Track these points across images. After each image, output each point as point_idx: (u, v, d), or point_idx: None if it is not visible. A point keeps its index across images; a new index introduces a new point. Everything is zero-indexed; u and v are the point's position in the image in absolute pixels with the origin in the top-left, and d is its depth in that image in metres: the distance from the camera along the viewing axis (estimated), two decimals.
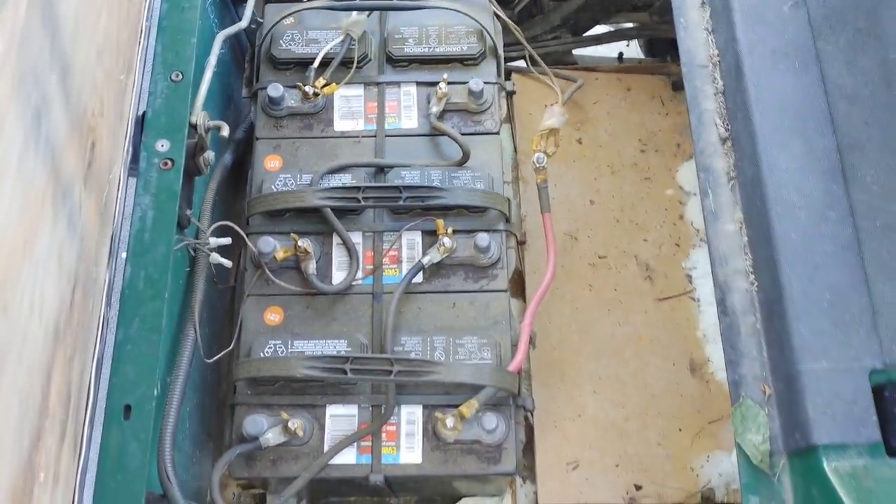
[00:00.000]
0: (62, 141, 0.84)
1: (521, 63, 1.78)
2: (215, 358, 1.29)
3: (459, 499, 1.50)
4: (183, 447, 1.26)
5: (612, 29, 1.87)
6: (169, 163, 1.21)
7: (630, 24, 1.87)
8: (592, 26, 1.84)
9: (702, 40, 1.26)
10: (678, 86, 1.85)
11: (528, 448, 1.54)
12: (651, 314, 1.64)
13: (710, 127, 1.20)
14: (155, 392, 1.08)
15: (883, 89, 1.14)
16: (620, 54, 1.94)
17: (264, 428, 1.24)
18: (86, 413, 1.00)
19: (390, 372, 1.22)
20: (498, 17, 1.56)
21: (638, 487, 1.51)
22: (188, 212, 1.32)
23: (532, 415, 1.37)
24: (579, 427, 1.55)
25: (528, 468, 1.55)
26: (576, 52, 1.91)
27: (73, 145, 0.88)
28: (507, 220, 1.40)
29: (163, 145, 1.22)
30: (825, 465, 0.95)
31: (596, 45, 1.87)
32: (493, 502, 1.51)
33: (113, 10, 1.02)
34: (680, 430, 1.55)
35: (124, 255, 1.15)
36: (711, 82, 1.23)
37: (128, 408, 1.07)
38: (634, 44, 2.11)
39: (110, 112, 1.03)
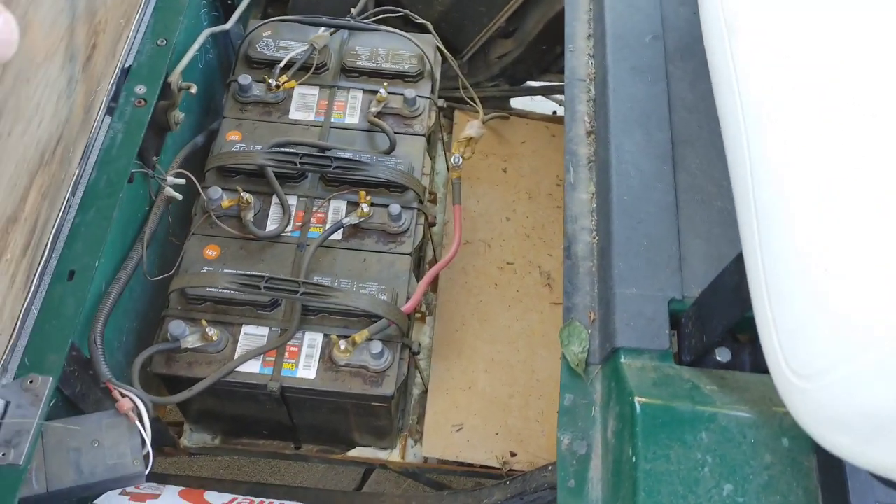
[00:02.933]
0: (80, 13, 1.10)
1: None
2: (157, 278, 1.53)
3: (355, 445, 1.70)
4: (117, 342, 1.48)
5: (544, 84, 2.19)
6: (143, 101, 1.50)
7: (558, 83, 2.19)
8: (527, 79, 2.16)
9: (584, 62, 1.57)
10: None
11: (420, 410, 1.74)
12: (545, 315, 1.87)
13: (580, 123, 1.49)
14: (97, 264, 1.31)
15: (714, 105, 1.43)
16: (554, 112, 2.26)
17: (185, 332, 1.46)
18: (39, 263, 1.23)
19: (297, 291, 1.46)
20: (439, 49, 1.88)
21: (513, 454, 1.70)
22: (154, 157, 1.59)
23: (417, 357, 1.58)
24: (468, 397, 1.75)
25: (418, 431, 1.74)
26: (514, 102, 2.23)
27: (83, 27, 1.14)
28: (421, 202, 1.66)
29: (140, 89, 1.50)
30: (621, 360, 1.18)
31: (528, 95, 2.19)
32: (385, 454, 1.71)
33: None
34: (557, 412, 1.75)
35: (93, 161, 1.40)
36: (586, 92, 1.53)
37: (72, 272, 1.30)
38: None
39: (108, 38, 1.31)
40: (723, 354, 1.19)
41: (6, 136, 0.94)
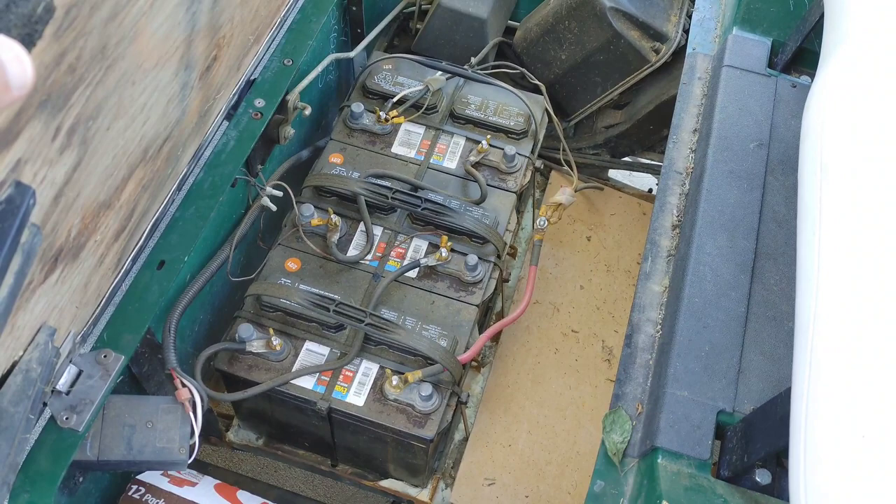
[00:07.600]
0: (200, 28, 1.19)
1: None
2: (238, 279, 1.61)
3: (388, 476, 1.73)
4: (189, 331, 1.57)
5: (644, 162, 2.20)
6: (259, 115, 1.59)
7: (658, 163, 2.20)
8: (629, 154, 2.18)
9: (684, 155, 1.58)
10: None
11: (457, 456, 1.77)
12: (599, 390, 1.88)
13: (668, 215, 1.50)
14: (186, 258, 1.40)
15: None
16: (650, 190, 2.27)
17: (252, 336, 1.53)
18: (133, 249, 1.32)
19: (362, 321, 1.51)
20: (547, 112, 1.92)
21: None
22: (259, 166, 1.68)
23: (465, 406, 1.61)
24: (506, 454, 1.77)
25: (451, 476, 1.77)
26: (612, 174, 2.25)
27: (204, 41, 1.23)
28: (499, 257, 1.70)
29: (259, 102, 1.60)
30: (658, 460, 1.18)
31: (628, 169, 2.20)
32: (415, 491, 1.74)
33: None
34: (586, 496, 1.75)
35: (203, 162, 1.49)
36: (680, 185, 1.54)
37: (162, 262, 1.39)
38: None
39: (232, 52, 1.40)
40: (763, 476, 1.18)
41: (104, 131, 1.02)
